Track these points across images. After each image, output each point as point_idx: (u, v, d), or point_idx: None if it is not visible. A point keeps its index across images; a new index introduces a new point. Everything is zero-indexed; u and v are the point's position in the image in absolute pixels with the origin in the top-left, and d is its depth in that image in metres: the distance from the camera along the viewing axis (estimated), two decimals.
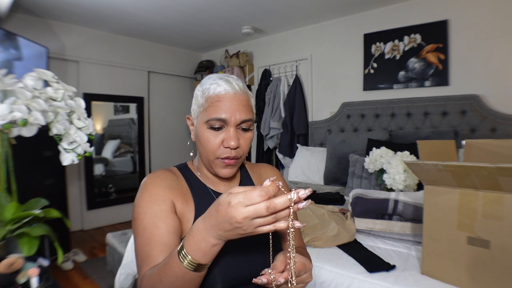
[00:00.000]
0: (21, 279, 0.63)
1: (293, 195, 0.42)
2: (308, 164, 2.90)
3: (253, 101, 0.72)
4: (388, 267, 1.05)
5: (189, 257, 0.49)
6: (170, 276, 0.51)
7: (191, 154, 0.79)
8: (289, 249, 0.49)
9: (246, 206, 0.42)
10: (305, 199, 0.44)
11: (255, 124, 3.53)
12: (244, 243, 0.69)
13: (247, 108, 0.67)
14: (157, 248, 0.59)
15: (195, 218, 0.67)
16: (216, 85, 0.67)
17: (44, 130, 0.82)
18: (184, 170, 0.76)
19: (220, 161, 0.67)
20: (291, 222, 0.44)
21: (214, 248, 0.49)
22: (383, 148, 1.86)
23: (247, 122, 0.67)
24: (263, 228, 0.44)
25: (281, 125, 3.31)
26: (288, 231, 0.45)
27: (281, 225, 0.44)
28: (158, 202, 0.64)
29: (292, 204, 0.42)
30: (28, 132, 0.76)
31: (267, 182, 0.46)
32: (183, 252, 0.49)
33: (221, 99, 0.65)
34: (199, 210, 0.68)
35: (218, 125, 0.65)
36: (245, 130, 0.68)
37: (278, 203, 0.42)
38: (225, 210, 0.44)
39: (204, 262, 0.49)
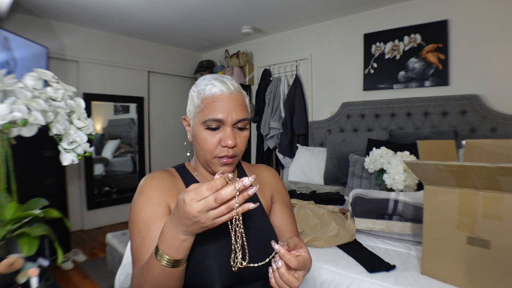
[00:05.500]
0: (21, 279, 0.63)
1: (237, 185, 0.45)
2: (308, 164, 2.90)
3: (247, 100, 0.73)
4: (388, 267, 1.05)
5: (165, 255, 0.51)
6: (151, 274, 0.54)
7: (188, 154, 0.79)
8: (233, 236, 0.54)
9: (198, 201, 0.45)
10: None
11: (255, 124, 3.49)
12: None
13: (243, 107, 0.69)
14: (148, 253, 0.61)
15: None
16: (211, 85, 0.67)
17: (44, 130, 0.82)
18: (182, 170, 0.76)
19: (218, 160, 0.68)
20: (235, 210, 0.47)
21: (185, 244, 0.51)
22: (383, 148, 1.85)
23: (243, 121, 0.68)
24: (221, 219, 0.47)
25: (281, 125, 3.31)
26: (234, 218, 0.49)
27: (234, 213, 0.47)
28: (153, 205, 0.66)
29: (237, 193, 0.45)
30: (28, 132, 0.76)
31: (216, 176, 0.48)
32: (159, 252, 0.52)
33: (217, 100, 0.66)
34: None
35: (215, 125, 0.66)
36: (241, 129, 0.69)
37: (224, 194, 0.45)
38: (182, 207, 0.47)
39: (178, 258, 0.52)
